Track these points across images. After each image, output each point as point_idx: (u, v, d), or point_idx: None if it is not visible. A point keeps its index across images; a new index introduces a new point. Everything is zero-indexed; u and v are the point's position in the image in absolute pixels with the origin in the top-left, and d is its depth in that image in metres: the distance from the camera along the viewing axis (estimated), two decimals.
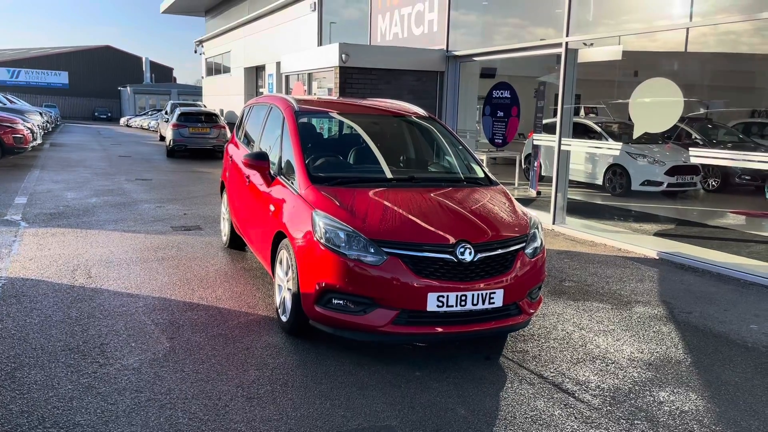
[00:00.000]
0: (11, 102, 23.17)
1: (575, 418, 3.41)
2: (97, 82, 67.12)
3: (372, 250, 3.86)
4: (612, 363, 4.17)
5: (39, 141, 17.58)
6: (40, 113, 23.45)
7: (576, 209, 9.82)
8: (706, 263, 6.86)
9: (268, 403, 3.42)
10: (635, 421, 3.40)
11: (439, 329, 3.90)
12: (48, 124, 25.97)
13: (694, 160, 7.92)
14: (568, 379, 3.89)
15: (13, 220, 8.03)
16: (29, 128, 15.07)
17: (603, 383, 3.86)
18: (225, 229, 6.96)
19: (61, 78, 67.16)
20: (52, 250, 6.52)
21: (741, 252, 7.51)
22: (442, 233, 3.98)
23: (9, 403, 3.30)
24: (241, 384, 3.64)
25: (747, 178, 11.79)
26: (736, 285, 6.24)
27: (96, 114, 62.19)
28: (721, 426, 3.39)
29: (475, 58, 11.09)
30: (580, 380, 3.88)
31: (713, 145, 12.23)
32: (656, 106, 7.49)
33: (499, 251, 4.04)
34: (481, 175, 5.21)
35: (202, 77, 35.29)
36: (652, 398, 3.69)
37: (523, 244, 4.20)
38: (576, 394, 3.69)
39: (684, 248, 7.55)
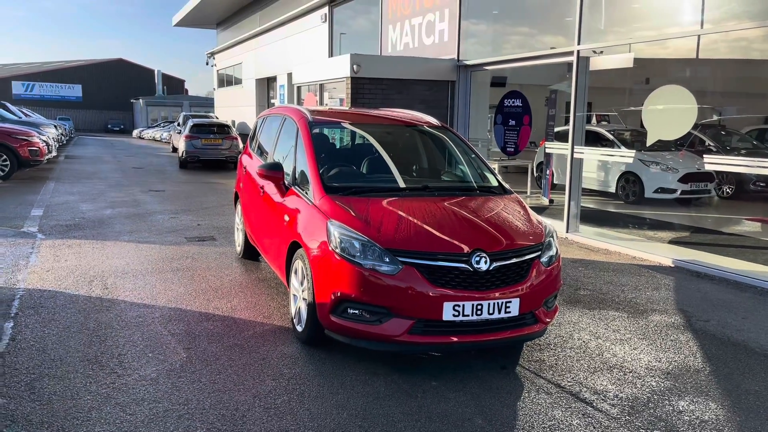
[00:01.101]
0: (26, 115, 23.46)
1: (594, 427, 3.39)
2: (110, 94, 67.80)
3: (387, 260, 3.87)
4: (630, 372, 4.14)
5: (54, 153, 17.76)
6: (55, 126, 23.72)
7: (589, 217, 9.78)
8: (722, 271, 6.80)
9: (285, 414, 3.43)
10: (654, 431, 3.37)
11: (455, 339, 3.89)
12: (62, 137, 26.24)
13: (708, 167, 7.86)
14: (585, 389, 3.86)
15: (30, 231, 8.11)
16: (44, 141, 15.23)
17: (621, 392, 3.83)
18: (239, 239, 7.00)
19: (74, 91, 67.92)
20: (68, 262, 6.58)
21: (758, 259, 7.43)
22: (457, 242, 3.98)
23: (29, 414, 3.33)
24: (257, 394, 3.65)
25: (762, 184, 11.69)
26: (754, 293, 6.18)
27: (109, 126, 62.78)
28: None
29: (486, 67, 11.11)
30: (597, 389, 3.86)
31: (727, 151, 12.15)
32: (670, 113, 7.47)
33: (515, 260, 4.03)
34: (494, 183, 5.21)
35: (214, 89, 35.56)
36: (671, 408, 3.65)
37: (539, 253, 4.18)
38: (594, 404, 3.67)
39: (699, 256, 7.49)
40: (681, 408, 3.65)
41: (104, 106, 66.69)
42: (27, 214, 9.47)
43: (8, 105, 22.67)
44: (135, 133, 47.51)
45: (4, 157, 13.69)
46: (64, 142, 28.54)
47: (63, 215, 9.47)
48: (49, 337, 4.43)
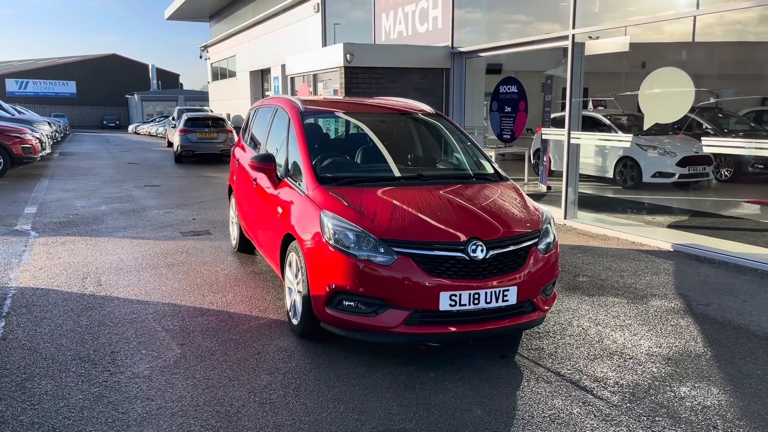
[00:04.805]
0: (19, 113, 23.31)
1: (594, 415, 3.34)
2: (105, 90, 67.51)
3: (382, 250, 3.80)
4: (630, 358, 4.09)
5: (48, 150, 17.66)
6: (49, 123, 23.58)
7: (587, 203, 9.72)
8: (721, 254, 6.75)
9: (280, 409, 3.37)
10: (656, 418, 3.32)
11: (453, 329, 3.83)
12: (57, 134, 26.12)
13: (706, 150, 7.79)
14: (585, 376, 3.81)
15: (23, 229, 8.03)
16: (38, 138, 15.13)
17: (621, 379, 3.78)
18: (234, 233, 6.93)
19: (68, 87, 67.64)
20: (62, 259, 6.51)
21: (757, 242, 7.38)
22: (452, 231, 3.91)
23: (20, 414, 3.27)
24: (253, 389, 3.59)
25: (760, 166, 11.63)
26: (754, 275, 6.13)
27: (104, 122, 62.58)
28: (745, 420, 3.31)
29: (481, 54, 11.01)
30: (597, 377, 3.81)
31: (724, 134, 12.06)
32: (667, 96, 7.38)
33: (512, 248, 3.97)
34: (490, 170, 5.13)
35: (208, 82, 35.37)
36: (672, 394, 3.60)
37: (536, 240, 4.12)
38: (594, 392, 3.61)
39: (699, 239, 7.43)
40: (683, 394, 3.60)
41: (99, 102, 66.44)
42: (20, 212, 9.38)
43: (0, 102, 22.51)
44: (130, 128, 47.34)
45: None
46: (59, 138, 28.42)
47: (57, 212, 9.38)
48: (41, 335, 4.37)
